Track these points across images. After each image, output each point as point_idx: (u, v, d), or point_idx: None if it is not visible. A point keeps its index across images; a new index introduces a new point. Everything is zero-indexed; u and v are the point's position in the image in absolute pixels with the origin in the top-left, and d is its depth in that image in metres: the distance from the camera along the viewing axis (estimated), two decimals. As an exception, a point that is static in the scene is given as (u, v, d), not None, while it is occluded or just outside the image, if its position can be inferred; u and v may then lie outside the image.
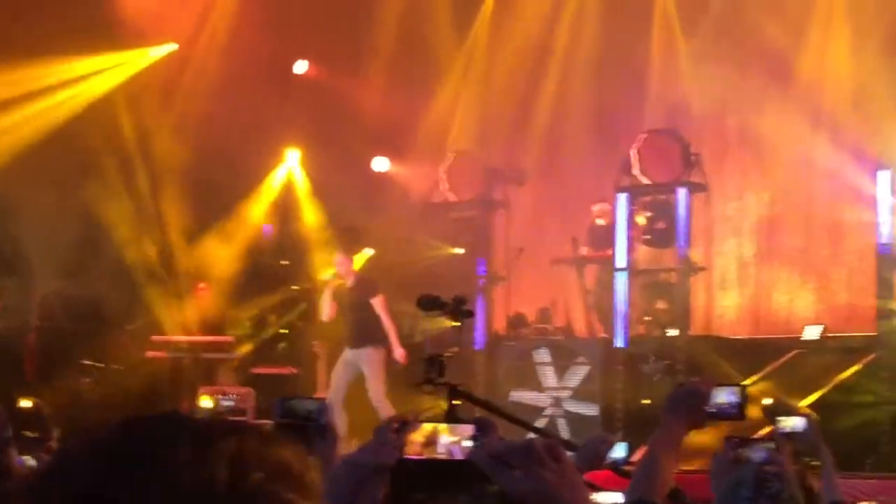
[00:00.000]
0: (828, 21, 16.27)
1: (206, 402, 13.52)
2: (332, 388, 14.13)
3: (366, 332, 14.15)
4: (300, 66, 18.76)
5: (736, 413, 3.78)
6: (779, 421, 6.43)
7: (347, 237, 16.40)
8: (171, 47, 18.15)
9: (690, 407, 3.82)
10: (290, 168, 18.57)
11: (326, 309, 14.41)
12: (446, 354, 7.71)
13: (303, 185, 18.50)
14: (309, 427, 4.34)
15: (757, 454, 4.86)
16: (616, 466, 5.31)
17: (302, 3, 18.01)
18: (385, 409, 13.40)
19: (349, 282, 14.39)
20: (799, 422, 5.94)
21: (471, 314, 8.69)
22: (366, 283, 14.51)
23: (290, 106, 18.05)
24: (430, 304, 8.07)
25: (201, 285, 16.87)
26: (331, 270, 14.62)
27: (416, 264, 16.80)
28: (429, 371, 7.36)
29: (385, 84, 18.13)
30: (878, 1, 15.99)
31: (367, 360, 14.03)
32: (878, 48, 15.46)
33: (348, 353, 14.24)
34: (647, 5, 17.67)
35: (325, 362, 15.99)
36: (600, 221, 16.42)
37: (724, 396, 3.80)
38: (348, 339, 14.30)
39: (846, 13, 16.21)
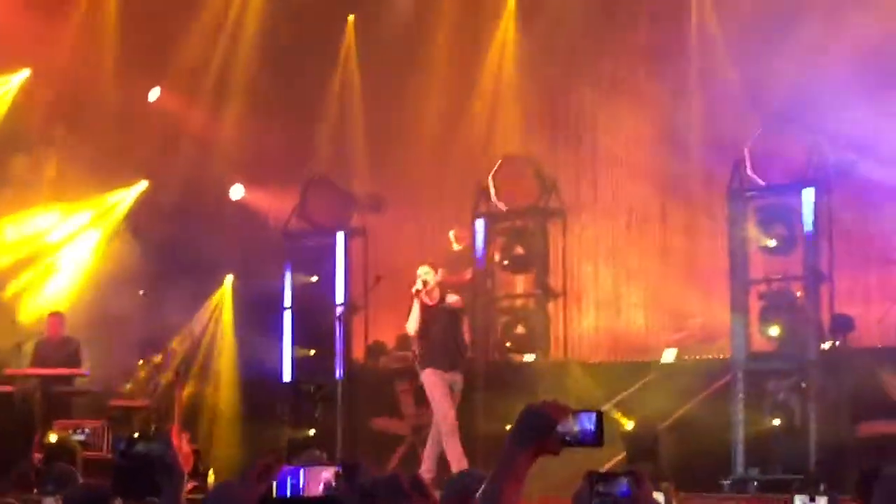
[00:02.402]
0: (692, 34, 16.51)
1: (52, 437, 13.22)
2: (451, 415, 13.32)
3: (458, 352, 13.63)
4: (154, 94, 18.49)
5: (592, 440, 3.70)
6: None
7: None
8: (24, 74, 17.83)
9: (535, 432, 3.71)
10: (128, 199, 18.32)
11: (414, 326, 13.46)
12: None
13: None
14: (153, 469, 4.21)
15: (618, 488, 4.81)
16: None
17: (156, 30, 17.81)
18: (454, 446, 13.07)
19: (432, 300, 13.54)
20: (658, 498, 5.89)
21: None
22: (450, 304, 13.84)
23: (143, 134, 17.83)
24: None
25: (53, 314, 16.43)
26: (421, 282, 13.50)
27: (274, 293, 16.69)
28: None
29: (241, 112, 17.96)
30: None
31: (458, 390, 13.49)
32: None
33: (442, 376, 13.39)
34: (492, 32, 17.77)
35: (182, 393, 15.68)
36: (457, 247, 16.40)
37: (581, 423, 3.72)
38: (438, 360, 13.45)
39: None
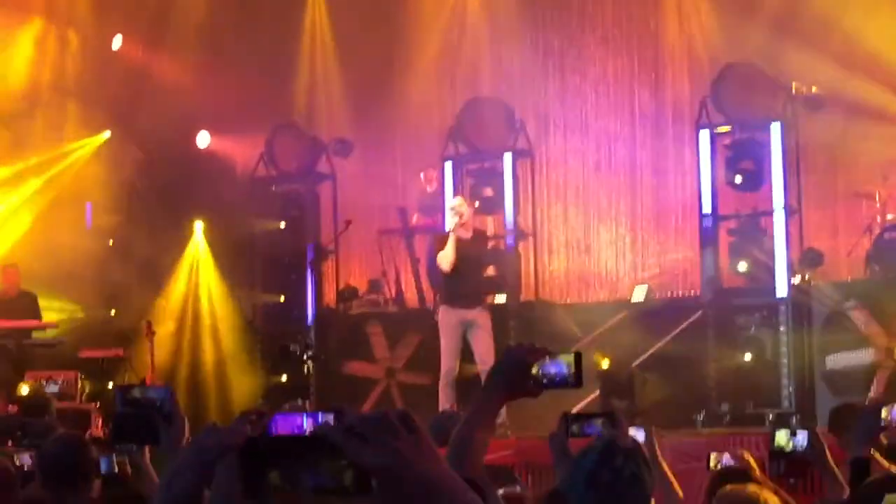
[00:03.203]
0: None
1: (24, 388, 13.19)
2: (451, 358, 12.92)
3: (481, 290, 13.20)
4: (116, 42, 18.32)
5: (572, 381, 3.71)
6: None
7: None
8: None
9: (512, 375, 3.73)
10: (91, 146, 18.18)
11: (450, 259, 12.69)
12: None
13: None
14: (154, 416, 4.20)
15: (592, 430, 4.84)
16: None
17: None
18: None
19: (468, 233, 12.94)
20: (638, 434, 5.91)
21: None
22: (483, 237, 13.55)
23: (108, 83, 17.71)
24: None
25: (9, 266, 16.28)
26: (454, 218, 12.84)
27: (244, 240, 16.65)
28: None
29: (206, 58, 17.83)
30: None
31: (482, 323, 12.91)
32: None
33: (457, 314, 12.91)
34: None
35: (157, 341, 15.64)
36: (429, 189, 16.37)
37: (558, 365, 3.73)
38: (459, 297, 12.96)
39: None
